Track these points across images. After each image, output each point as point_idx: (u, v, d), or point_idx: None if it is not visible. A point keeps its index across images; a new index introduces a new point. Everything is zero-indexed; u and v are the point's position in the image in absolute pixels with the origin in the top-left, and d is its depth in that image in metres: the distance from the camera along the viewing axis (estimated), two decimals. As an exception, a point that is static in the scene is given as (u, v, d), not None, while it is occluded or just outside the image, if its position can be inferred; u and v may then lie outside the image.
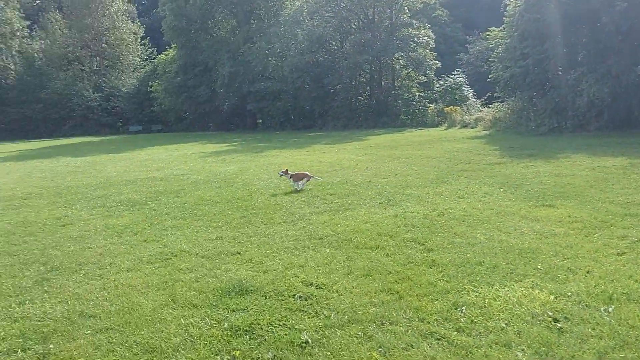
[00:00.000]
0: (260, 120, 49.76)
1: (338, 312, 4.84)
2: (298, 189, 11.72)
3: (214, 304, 5.22)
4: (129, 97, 59.15)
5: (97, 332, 4.68)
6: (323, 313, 4.85)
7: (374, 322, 4.62)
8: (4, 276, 6.48)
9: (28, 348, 4.42)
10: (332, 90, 42.90)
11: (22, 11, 65.29)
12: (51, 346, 4.43)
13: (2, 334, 4.70)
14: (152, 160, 21.72)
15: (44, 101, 58.16)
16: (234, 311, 5.02)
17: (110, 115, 58.46)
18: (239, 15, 48.00)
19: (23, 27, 63.97)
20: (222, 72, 45.13)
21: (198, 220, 9.35)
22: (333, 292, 5.37)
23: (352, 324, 4.61)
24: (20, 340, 4.56)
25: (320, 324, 4.63)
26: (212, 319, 4.84)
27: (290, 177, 12.05)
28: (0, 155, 30.26)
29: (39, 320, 4.98)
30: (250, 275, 6.03)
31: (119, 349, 4.36)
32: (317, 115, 43.79)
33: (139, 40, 64.05)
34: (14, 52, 62.79)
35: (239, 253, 7.06)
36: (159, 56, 58.02)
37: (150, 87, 55.65)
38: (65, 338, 4.58)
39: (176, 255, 7.08)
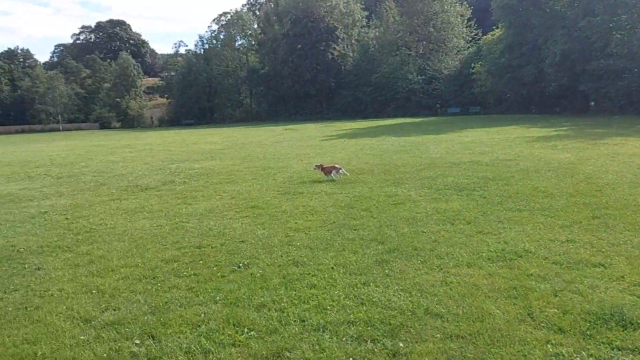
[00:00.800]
0: (593, 103, 43.90)
1: None
2: (334, 178, 12.64)
3: (588, 332, 4.07)
4: (450, 80, 59.90)
5: (446, 338, 4.12)
6: None
7: None
8: (347, 251, 6.64)
9: (377, 340, 4.14)
10: (699, 69, 34.33)
11: (362, 2, 72.90)
12: (400, 344, 4.04)
13: (351, 316, 4.57)
14: (474, 143, 21.01)
15: (373, 84, 64.08)
16: (619, 350, 3.79)
17: (431, 97, 60.28)
18: (579, -15, 42.86)
19: (362, 17, 71.42)
20: (553, 49, 41.17)
21: (537, 215, 8.16)
22: None
23: None
24: (369, 328, 4.33)
25: None
26: (592, 356, 3.73)
27: (322, 170, 13.02)
28: (337, 133, 34.26)
29: (384, 309, 4.72)
30: (630, 300, 4.63)
31: (474, 368, 3.69)
32: (672, 99, 35.87)
33: (464, 22, 63.91)
34: (353, 41, 70.85)
35: (602, 265, 5.65)
36: (484, 37, 56.72)
37: (472, 69, 55.01)
38: (413, 337, 4.15)
39: (521, 256, 6.11)
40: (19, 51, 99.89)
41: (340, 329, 4.35)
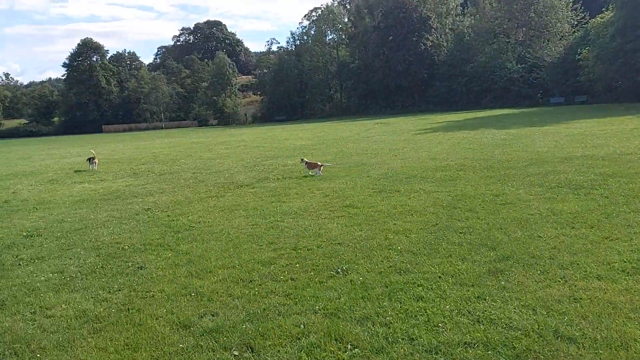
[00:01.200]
0: None
1: None
2: (316, 174, 13.59)
3: None
4: (553, 67, 56.12)
5: (583, 371, 3.51)
6: None
7: None
8: (454, 257, 6.07)
9: (499, 369, 3.61)
10: None
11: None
12: (529, 376, 3.49)
13: (467, 336, 4.05)
14: (584, 135, 19.29)
15: (468, 74, 61.63)
16: None
17: (531, 87, 56.87)
18: None
19: (457, 6, 68.89)
20: (673, 30, 37.16)
21: (674, 219, 7.09)
22: None
23: None
24: (489, 352, 3.79)
25: None
26: None
27: (306, 165, 14.05)
28: (430, 126, 33.15)
29: (505, 328, 4.14)
30: None
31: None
32: None
33: (569, 5, 59.51)
34: (447, 30, 68.58)
35: None
36: (592, 20, 52.39)
37: (578, 55, 51.04)
38: (542, 367, 3.58)
39: (664, 270, 5.24)
40: (126, 54, 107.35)
41: (455, 351, 3.85)
